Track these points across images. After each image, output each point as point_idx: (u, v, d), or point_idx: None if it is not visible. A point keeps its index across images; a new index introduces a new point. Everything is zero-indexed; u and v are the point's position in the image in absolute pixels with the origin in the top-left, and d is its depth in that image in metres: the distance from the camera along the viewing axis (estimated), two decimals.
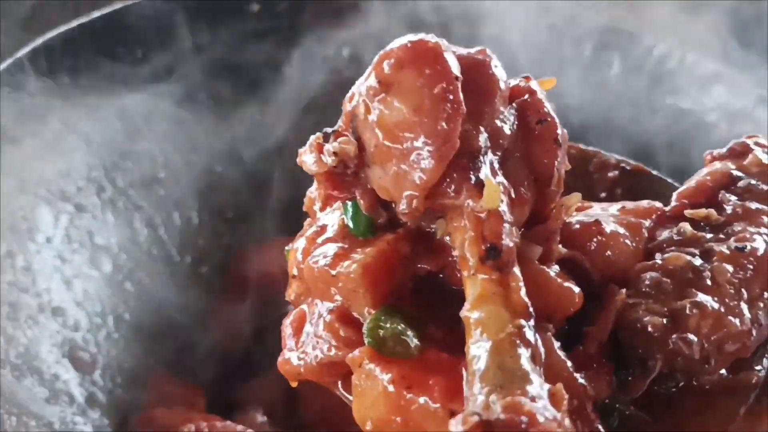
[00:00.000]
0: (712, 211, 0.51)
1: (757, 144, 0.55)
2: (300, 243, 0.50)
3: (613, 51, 0.98)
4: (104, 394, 0.82)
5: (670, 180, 0.59)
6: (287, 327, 0.50)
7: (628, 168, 0.61)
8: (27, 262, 0.80)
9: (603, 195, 0.60)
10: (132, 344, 0.85)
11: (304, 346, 0.48)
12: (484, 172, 0.44)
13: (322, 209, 0.52)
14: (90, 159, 0.88)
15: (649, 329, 0.45)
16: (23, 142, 0.83)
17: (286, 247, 0.53)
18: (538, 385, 0.39)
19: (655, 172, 0.60)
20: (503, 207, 0.44)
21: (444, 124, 0.44)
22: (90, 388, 0.81)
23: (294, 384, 0.50)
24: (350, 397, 0.46)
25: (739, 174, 0.53)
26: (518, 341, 0.41)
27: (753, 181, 0.52)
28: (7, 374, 0.73)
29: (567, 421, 0.39)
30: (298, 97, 0.91)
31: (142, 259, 0.90)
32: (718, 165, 0.54)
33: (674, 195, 0.53)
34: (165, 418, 0.78)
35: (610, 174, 0.61)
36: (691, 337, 0.45)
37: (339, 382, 0.49)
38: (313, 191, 0.52)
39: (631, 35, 0.98)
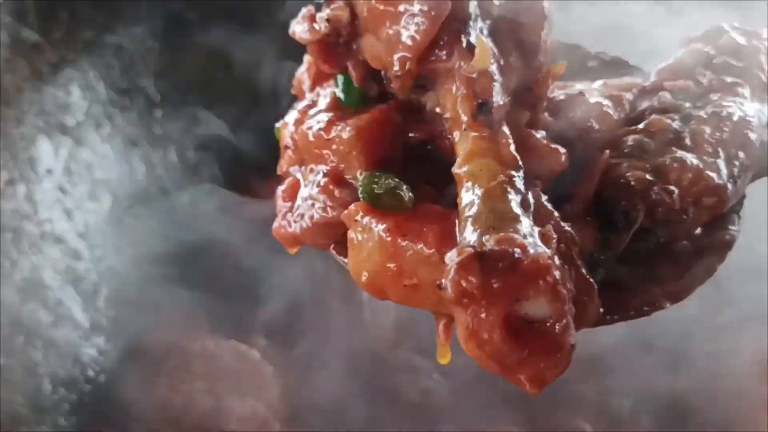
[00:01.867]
0: (690, 83, 0.52)
1: (732, 27, 0.56)
2: (291, 116, 0.51)
3: None
4: (107, 320, 0.82)
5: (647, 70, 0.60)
6: (280, 196, 0.51)
7: (606, 59, 0.62)
8: (29, 191, 0.80)
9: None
10: (132, 273, 0.85)
11: (300, 209, 0.48)
12: (475, 36, 0.45)
13: (311, 89, 0.52)
14: (88, 94, 0.89)
15: (632, 182, 0.46)
16: (20, 73, 0.82)
17: (276, 125, 0.53)
18: (528, 226, 0.40)
19: (632, 63, 0.61)
20: (493, 67, 0.44)
21: None
22: (93, 315, 0.81)
23: (293, 251, 0.51)
24: (344, 260, 0.47)
25: (716, 52, 0.54)
26: (509, 188, 0.41)
27: (728, 58, 0.54)
28: (13, 296, 0.74)
29: (556, 258, 0.40)
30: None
31: (139, 195, 0.91)
32: (694, 45, 0.55)
33: (653, 71, 0.55)
34: (171, 337, 0.79)
35: (590, 64, 0.62)
36: (672, 187, 0.46)
37: (332, 246, 0.49)
38: (303, 71, 0.53)
39: None
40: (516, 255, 0.38)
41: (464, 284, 0.38)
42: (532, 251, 0.38)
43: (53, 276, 0.78)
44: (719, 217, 0.49)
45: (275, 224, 0.50)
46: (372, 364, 0.78)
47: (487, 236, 0.39)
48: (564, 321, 0.38)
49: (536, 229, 0.40)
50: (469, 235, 0.40)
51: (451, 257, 0.38)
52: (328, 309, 0.81)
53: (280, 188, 0.51)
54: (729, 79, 0.52)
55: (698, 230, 0.49)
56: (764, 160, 0.51)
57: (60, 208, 0.82)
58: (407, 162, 0.47)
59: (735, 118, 0.49)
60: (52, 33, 0.84)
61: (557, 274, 0.38)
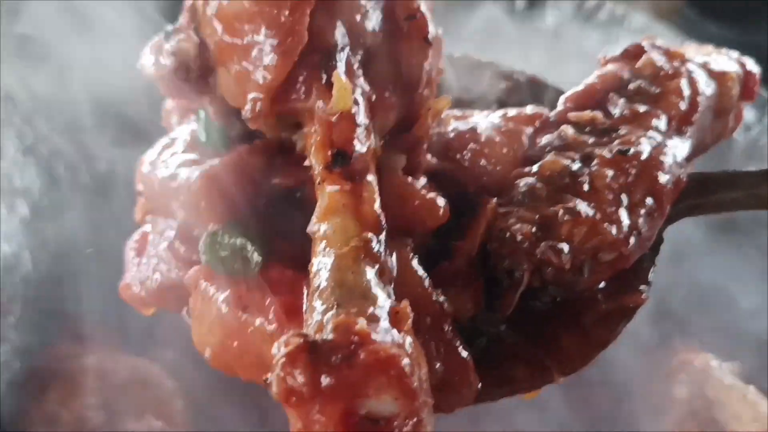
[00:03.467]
0: (598, 114, 0.45)
1: (653, 46, 0.50)
2: (148, 155, 0.44)
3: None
4: (15, 330, 0.79)
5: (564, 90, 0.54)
6: (129, 250, 0.44)
7: (522, 79, 0.55)
8: None
9: (495, 106, 0.54)
10: (45, 284, 0.82)
11: (145, 268, 0.42)
12: (339, 72, 0.38)
13: (179, 123, 0.46)
14: (8, 106, 0.85)
15: (518, 237, 0.40)
16: None
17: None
18: (381, 303, 0.34)
19: (549, 82, 0.54)
20: (357, 109, 0.38)
21: (287, 13, 0.38)
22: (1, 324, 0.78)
23: (146, 312, 0.45)
24: None
25: (631, 76, 0.48)
26: (363, 256, 0.35)
27: (644, 83, 0.47)
28: None
29: (409, 341, 0.33)
30: None
31: (62, 203, 0.87)
32: (609, 67, 0.48)
33: (561, 99, 0.48)
34: (71, 350, 0.75)
35: (503, 85, 0.55)
36: (562, 245, 0.40)
37: (185, 309, 0.42)
38: (170, 103, 0.47)
39: None
40: (354, 346, 0.31)
41: (290, 382, 0.31)
42: (377, 337, 0.32)
43: None
44: (625, 272, 0.43)
45: (122, 282, 0.44)
46: None
47: (329, 316, 0.33)
48: (415, 419, 0.32)
49: (389, 305, 0.34)
50: (313, 313, 0.34)
51: (278, 348, 0.31)
52: None
53: (131, 239, 0.45)
54: (642, 108, 0.45)
55: (602, 284, 0.43)
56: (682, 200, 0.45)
57: None
58: (269, 213, 0.42)
59: (644, 157, 0.42)
60: None
61: (406, 364, 0.31)
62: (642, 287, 0.43)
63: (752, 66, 0.51)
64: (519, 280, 0.39)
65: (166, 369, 0.76)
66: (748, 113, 0.84)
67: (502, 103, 0.53)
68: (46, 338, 0.78)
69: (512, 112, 0.47)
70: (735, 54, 0.52)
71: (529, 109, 0.48)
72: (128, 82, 0.83)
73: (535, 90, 0.53)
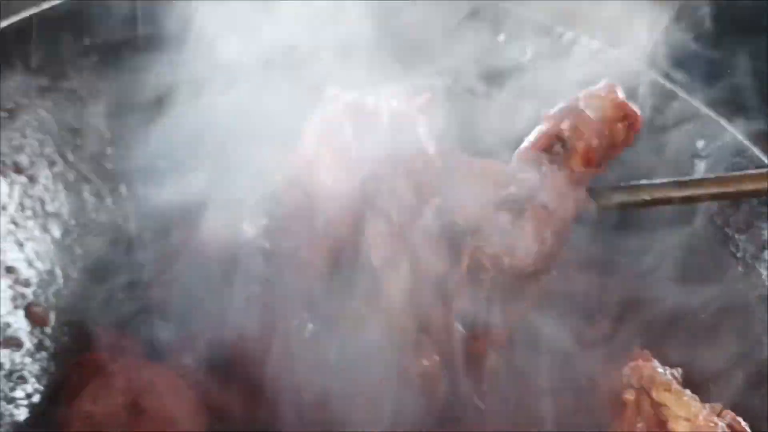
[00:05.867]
0: None
1: (588, 97, 0.61)
2: None
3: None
4: (51, 341, 0.88)
5: None
6: None
7: None
8: None
9: None
10: (78, 299, 0.91)
11: None
12: None
13: None
14: (41, 136, 0.94)
15: None
16: None
17: None
18: None
19: None
20: None
21: None
22: (39, 336, 0.87)
23: None
24: None
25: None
26: None
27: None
28: None
29: None
30: None
31: (89, 226, 0.96)
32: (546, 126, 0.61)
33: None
34: (104, 361, 0.84)
35: None
36: None
37: None
38: None
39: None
40: None
41: None
42: None
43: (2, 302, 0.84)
44: None
45: None
46: None
47: None
48: None
49: None
50: None
51: None
52: None
53: None
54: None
55: None
56: None
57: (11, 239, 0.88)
58: None
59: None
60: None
61: None
62: None
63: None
64: None
65: (186, 376, 0.85)
66: None
67: None
68: (78, 346, 0.87)
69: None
70: None
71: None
72: None
73: None
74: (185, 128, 0.90)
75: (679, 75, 1.07)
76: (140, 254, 0.94)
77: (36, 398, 0.82)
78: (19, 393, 0.81)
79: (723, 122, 0.99)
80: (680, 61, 1.08)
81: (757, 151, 0.95)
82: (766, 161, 0.94)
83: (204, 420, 0.81)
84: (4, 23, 0.91)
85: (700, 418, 0.75)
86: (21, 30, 0.92)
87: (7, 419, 0.78)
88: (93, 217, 0.96)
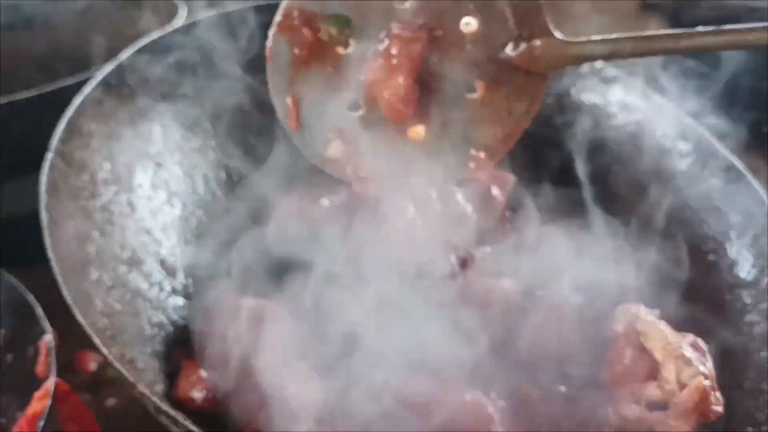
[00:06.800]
0: None
1: None
2: None
3: None
4: (182, 288, 1.09)
5: None
6: None
7: None
8: (129, 199, 1.07)
9: None
10: (200, 258, 1.12)
11: None
12: None
13: None
14: (164, 131, 1.18)
15: None
16: (120, 118, 1.11)
17: None
18: None
19: None
20: None
21: None
22: (173, 283, 1.08)
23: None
24: None
25: None
26: None
27: None
28: (123, 268, 1.01)
29: None
30: None
31: (199, 203, 1.20)
32: None
33: None
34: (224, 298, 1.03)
35: None
36: None
37: None
38: None
39: None
40: None
41: None
42: None
43: (146, 255, 1.06)
44: None
45: None
46: None
47: None
48: None
49: None
50: None
51: None
52: None
53: None
54: None
55: None
56: None
57: (148, 209, 1.12)
58: None
59: None
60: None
61: None
62: None
63: None
64: None
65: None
66: None
67: None
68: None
69: None
70: None
71: None
72: None
73: None
74: None
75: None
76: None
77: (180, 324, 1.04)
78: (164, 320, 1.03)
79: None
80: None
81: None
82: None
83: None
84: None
85: (670, 338, 0.92)
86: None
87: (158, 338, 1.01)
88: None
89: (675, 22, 1.73)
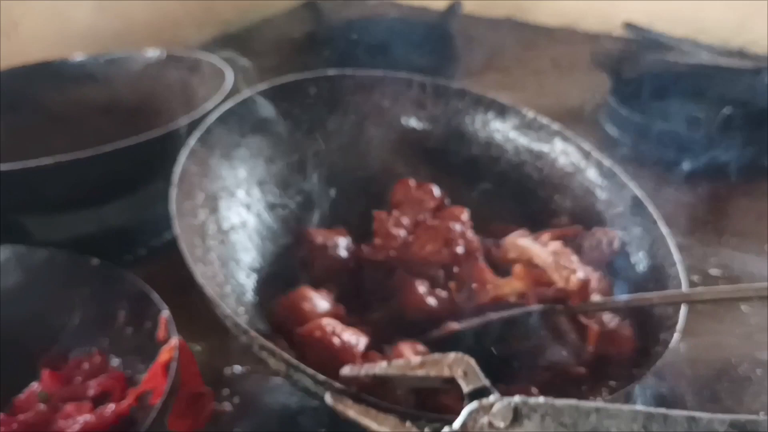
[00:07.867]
0: None
1: None
2: None
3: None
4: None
5: None
6: None
7: None
8: (216, 219, 1.33)
9: None
10: (274, 267, 1.41)
11: None
12: None
13: None
14: (249, 177, 1.45)
15: None
16: (209, 163, 1.36)
17: None
18: None
19: None
20: None
21: None
22: (255, 283, 1.31)
23: None
24: None
25: None
26: None
27: None
28: (219, 273, 1.23)
29: None
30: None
31: (269, 229, 1.45)
32: None
33: None
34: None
35: None
36: None
37: None
38: None
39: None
40: None
41: None
42: None
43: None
44: None
45: None
46: None
47: None
48: None
49: None
50: None
51: None
52: None
53: None
54: None
55: None
56: None
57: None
58: None
59: None
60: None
61: None
62: None
63: None
64: None
65: None
66: None
67: None
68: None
69: None
70: None
71: None
72: None
73: None
74: None
75: None
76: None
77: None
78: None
79: None
80: None
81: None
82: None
83: None
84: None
85: (542, 255, 1.25)
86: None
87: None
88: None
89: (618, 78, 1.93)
